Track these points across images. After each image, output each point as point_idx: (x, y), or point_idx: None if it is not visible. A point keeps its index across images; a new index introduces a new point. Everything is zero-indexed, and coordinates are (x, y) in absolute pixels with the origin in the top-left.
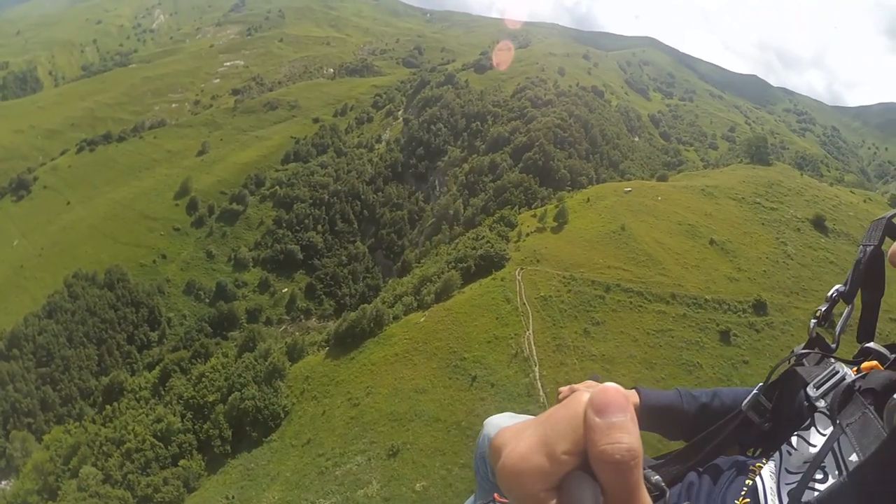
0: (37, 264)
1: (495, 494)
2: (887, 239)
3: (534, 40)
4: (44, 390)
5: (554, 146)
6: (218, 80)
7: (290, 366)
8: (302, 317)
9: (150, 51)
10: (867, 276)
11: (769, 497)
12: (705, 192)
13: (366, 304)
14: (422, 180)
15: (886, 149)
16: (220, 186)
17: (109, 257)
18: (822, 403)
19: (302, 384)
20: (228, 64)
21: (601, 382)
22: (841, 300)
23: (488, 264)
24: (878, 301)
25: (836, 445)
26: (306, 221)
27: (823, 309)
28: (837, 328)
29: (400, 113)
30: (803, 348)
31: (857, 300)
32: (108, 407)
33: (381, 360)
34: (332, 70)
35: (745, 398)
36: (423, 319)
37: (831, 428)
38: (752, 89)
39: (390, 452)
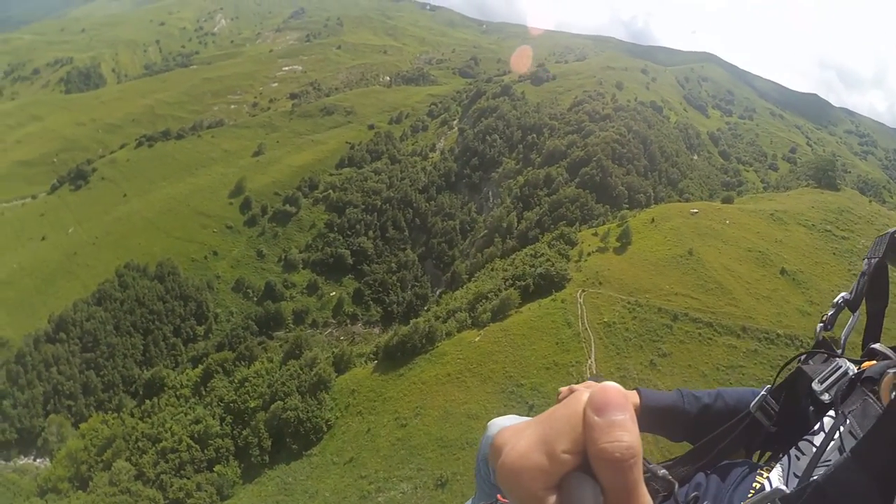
0: (90, 252)
1: (498, 496)
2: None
3: (590, 53)
4: (87, 375)
5: (612, 162)
6: (276, 84)
7: (336, 377)
8: (348, 321)
9: (211, 53)
10: (872, 287)
11: None
12: (774, 217)
13: (418, 319)
14: (475, 191)
15: None
16: (274, 187)
17: (161, 250)
18: (826, 397)
19: (347, 398)
20: (287, 68)
21: (601, 382)
22: (847, 308)
23: (548, 284)
24: (882, 311)
25: (839, 434)
26: (357, 226)
27: (829, 314)
28: (843, 334)
29: (455, 123)
30: (808, 356)
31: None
32: (147, 401)
33: (432, 379)
34: (388, 78)
35: (750, 399)
36: (477, 339)
37: (838, 441)
38: (813, 109)
39: (438, 482)
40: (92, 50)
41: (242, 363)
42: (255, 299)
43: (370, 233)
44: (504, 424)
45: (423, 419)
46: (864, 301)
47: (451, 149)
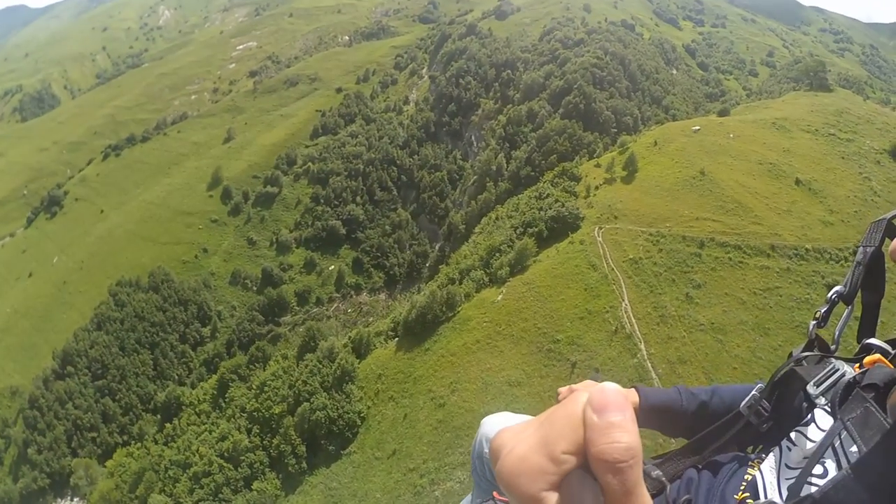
0: (79, 278)
1: (494, 493)
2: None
3: None
4: (103, 402)
5: (593, 87)
6: (233, 65)
7: (359, 363)
8: (352, 293)
9: (161, 47)
10: (867, 278)
11: (769, 491)
12: (777, 125)
13: (431, 283)
14: (457, 138)
15: None
16: (252, 171)
17: (150, 260)
18: (822, 401)
19: (375, 384)
20: (241, 47)
21: (600, 382)
22: (841, 301)
23: (562, 226)
24: (878, 303)
25: (836, 440)
26: (344, 195)
27: (823, 311)
28: (837, 329)
29: (424, 71)
30: (802, 350)
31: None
32: (167, 425)
33: (460, 349)
34: (347, 38)
35: (745, 397)
36: (500, 297)
37: (831, 422)
38: (783, 10)
39: None
40: (39, 72)
41: (256, 366)
42: (255, 289)
43: (358, 199)
44: (497, 422)
45: (460, 395)
46: (858, 293)
47: (426, 98)
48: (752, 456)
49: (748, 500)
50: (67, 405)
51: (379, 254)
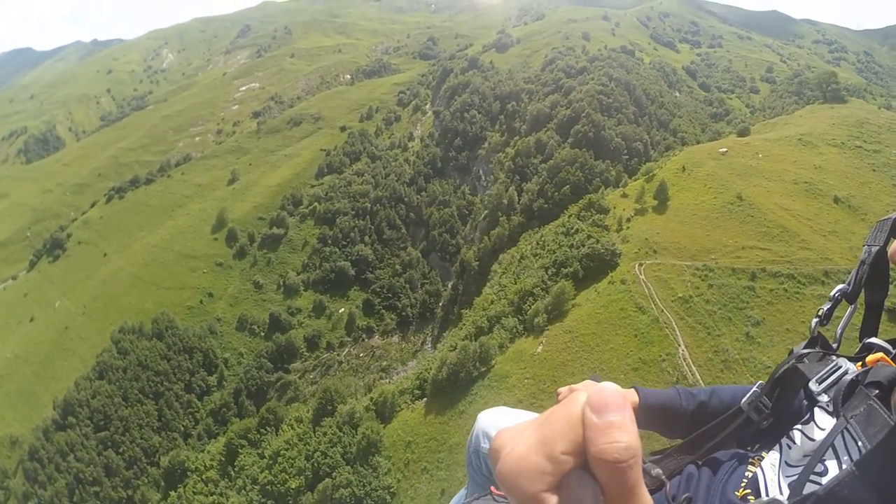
0: (81, 323)
1: (492, 487)
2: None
3: (546, 11)
4: (106, 455)
5: (601, 114)
6: (237, 106)
7: (384, 428)
8: (364, 336)
9: (165, 90)
10: (872, 277)
11: (770, 488)
12: (803, 141)
13: (462, 338)
14: (465, 172)
15: None
16: (257, 212)
17: (154, 305)
18: (824, 398)
19: (404, 453)
20: (244, 88)
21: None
22: (844, 300)
23: (599, 265)
24: (881, 302)
25: (839, 438)
26: (352, 234)
27: (826, 308)
28: (839, 328)
29: (428, 107)
30: (804, 347)
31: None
32: (172, 493)
33: None
34: (349, 76)
35: (744, 396)
36: (540, 348)
37: (833, 421)
38: (776, 25)
39: None
40: (45, 114)
41: (268, 429)
42: (263, 334)
43: (366, 238)
44: (494, 419)
45: None
46: (862, 292)
47: (430, 134)
48: (752, 453)
49: (750, 498)
50: (69, 457)
51: (390, 294)
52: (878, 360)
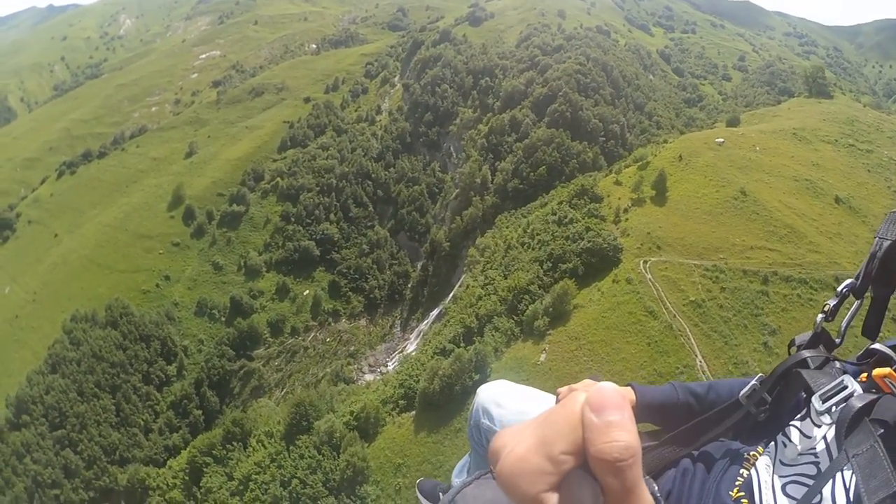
0: (32, 311)
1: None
2: None
3: None
4: (64, 455)
5: (578, 94)
6: (196, 75)
7: (368, 447)
8: (330, 320)
9: (121, 57)
10: (881, 272)
11: (764, 491)
12: (797, 136)
13: (460, 348)
14: (435, 149)
15: (891, 66)
16: (216, 188)
17: (108, 290)
18: (826, 419)
19: (394, 478)
20: (204, 56)
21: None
22: (852, 295)
23: (600, 261)
24: (888, 297)
25: (840, 477)
26: (317, 212)
27: (832, 304)
28: (844, 323)
29: (397, 79)
30: (807, 344)
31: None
32: None
33: None
34: (314, 45)
35: (742, 389)
36: (543, 357)
37: (826, 428)
38: (748, 16)
39: None
40: None
41: (234, 445)
42: (223, 319)
43: (332, 216)
44: (494, 393)
45: None
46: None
47: (399, 108)
48: (747, 448)
49: (743, 501)
50: (25, 459)
51: (357, 276)
52: (884, 377)
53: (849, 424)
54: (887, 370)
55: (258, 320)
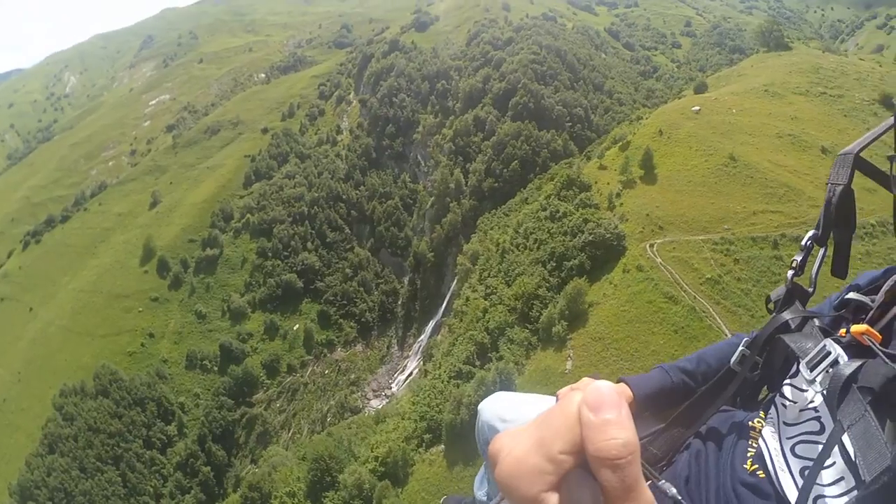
0: (19, 392)
1: None
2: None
3: None
4: None
5: (537, 83)
6: (148, 122)
7: (401, 493)
8: (325, 351)
9: (70, 116)
10: (838, 216)
11: (775, 459)
12: (769, 92)
13: (477, 369)
14: (402, 160)
15: (832, 9)
16: (187, 235)
17: (92, 357)
18: (816, 387)
19: None
20: (154, 102)
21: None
22: (815, 244)
23: (605, 252)
24: (849, 239)
25: (837, 450)
26: (293, 243)
27: (799, 259)
28: (813, 271)
29: (352, 96)
30: (782, 301)
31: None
32: None
33: None
34: (263, 75)
35: (730, 354)
36: (569, 365)
37: (817, 389)
38: None
39: None
40: None
41: None
42: (216, 369)
43: (309, 244)
44: (495, 408)
45: None
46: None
47: (359, 124)
48: (749, 417)
49: (759, 473)
50: None
51: (345, 301)
52: (862, 333)
53: (839, 394)
54: (864, 327)
55: (252, 364)
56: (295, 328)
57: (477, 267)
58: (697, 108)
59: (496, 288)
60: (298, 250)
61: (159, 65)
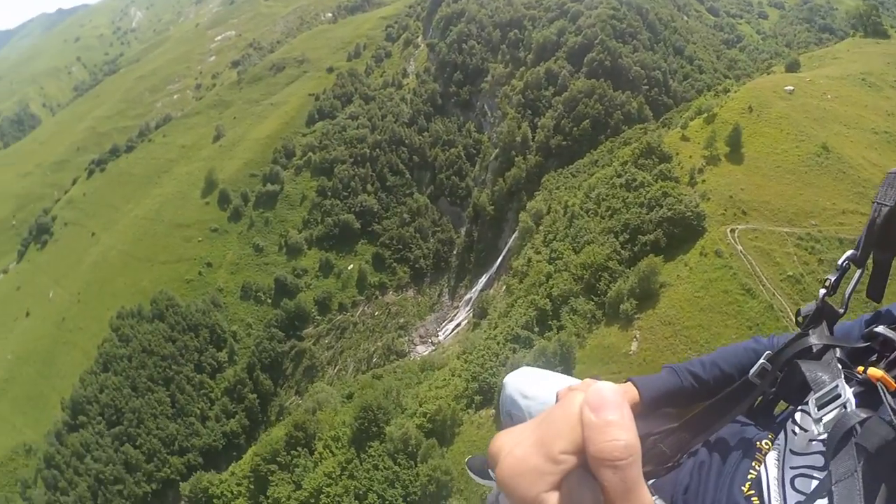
0: (78, 313)
1: None
2: None
3: None
4: (124, 451)
5: (615, 41)
6: (214, 58)
7: (447, 452)
8: (377, 293)
9: (136, 50)
10: (881, 237)
11: (772, 489)
12: (866, 82)
13: (535, 336)
14: (468, 108)
15: None
16: (248, 169)
17: (151, 283)
18: (820, 430)
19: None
20: (220, 38)
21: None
22: (853, 264)
23: (683, 230)
24: (889, 261)
25: (827, 497)
26: (353, 184)
27: (833, 279)
28: (847, 292)
29: (420, 40)
30: (810, 320)
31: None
32: None
33: None
34: (330, 14)
35: (745, 361)
36: (634, 346)
37: (820, 431)
38: None
39: None
40: (15, 94)
41: (299, 450)
42: (269, 301)
43: (369, 187)
44: (519, 383)
45: None
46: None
47: (426, 69)
48: (759, 436)
49: (754, 499)
50: (86, 459)
51: (400, 246)
52: (878, 379)
53: (836, 444)
54: (880, 372)
55: (305, 299)
56: (349, 268)
57: (541, 228)
58: (791, 87)
59: (562, 253)
60: (358, 191)
61: (225, 1)
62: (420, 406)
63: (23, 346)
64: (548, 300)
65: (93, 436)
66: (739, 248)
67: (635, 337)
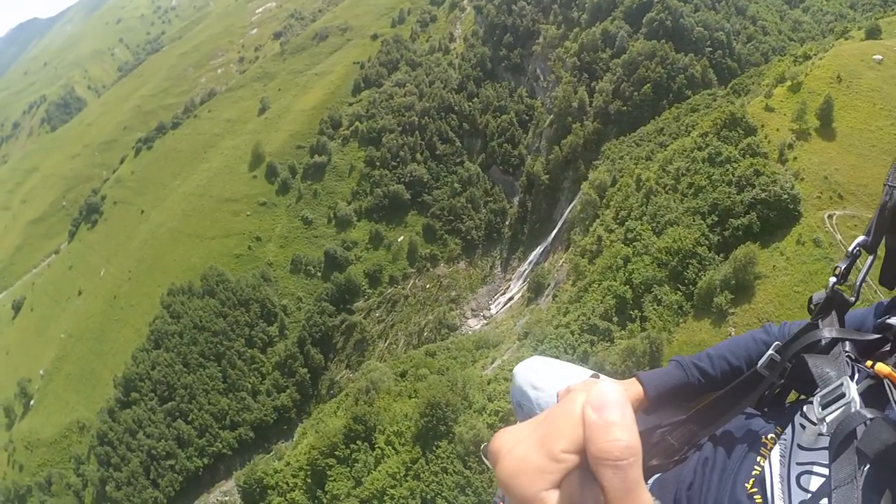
0: (129, 290)
1: None
2: None
3: None
4: (176, 426)
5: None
6: (255, 30)
7: None
8: (428, 265)
9: (178, 27)
10: (894, 222)
11: (775, 487)
12: None
13: (627, 338)
14: (519, 73)
15: None
16: (295, 141)
17: (200, 259)
18: (823, 428)
19: None
20: (261, 10)
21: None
22: (864, 251)
23: (778, 215)
24: None
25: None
26: (402, 154)
27: (843, 266)
28: (858, 279)
29: (465, 2)
30: (819, 311)
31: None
32: None
33: None
34: None
35: (753, 353)
36: (732, 335)
37: (823, 430)
38: None
39: None
40: (61, 78)
41: (359, 444)
42: (319, 275)
43: (418, 156)
44: (528, 374)
45: None
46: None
47: (474, 32)
48: (765, 429)
49: (756, 497)
50: (138, 435)
51: (451, 217)
52: (886, 376)
53: (837, 447)
54: (888, 369)
55: (355, 272)
56: (399, 240)
57: (612, 204)
58: (879, 56)
59: (641, 234)
60: (407, 161)
61: None
62: (489, 402)
63: (76, 324)
64: (627, 287)
65: (145, 412)
66: (839, 237)
67: (730, 334)
